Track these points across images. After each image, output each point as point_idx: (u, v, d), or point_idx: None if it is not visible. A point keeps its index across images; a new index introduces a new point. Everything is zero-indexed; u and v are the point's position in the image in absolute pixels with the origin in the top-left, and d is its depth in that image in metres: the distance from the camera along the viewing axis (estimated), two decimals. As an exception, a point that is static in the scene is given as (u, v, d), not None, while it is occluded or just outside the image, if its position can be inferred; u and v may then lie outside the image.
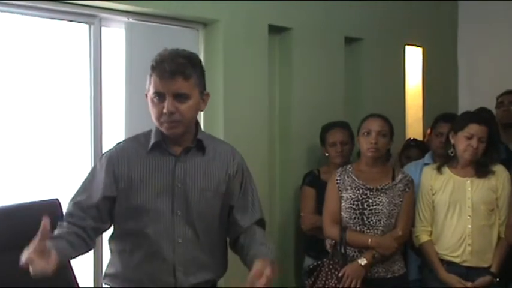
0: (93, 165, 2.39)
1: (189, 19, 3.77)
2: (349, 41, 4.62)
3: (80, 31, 3.40)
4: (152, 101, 2.16)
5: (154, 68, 2.14)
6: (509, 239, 3.21)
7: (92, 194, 2.21)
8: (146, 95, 2.21)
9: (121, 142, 2.35)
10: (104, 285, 2.37)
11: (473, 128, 3.20)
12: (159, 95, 2.14)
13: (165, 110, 2.12)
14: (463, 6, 5.58)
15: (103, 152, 2.36)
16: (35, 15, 3.21)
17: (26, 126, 3.26)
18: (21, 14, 3.17)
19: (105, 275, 2.35)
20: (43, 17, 3.25)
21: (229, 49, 3.82)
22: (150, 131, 2.29)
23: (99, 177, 2.22)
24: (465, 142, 3.21)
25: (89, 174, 2.29)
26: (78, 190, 2.25)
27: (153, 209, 2.19)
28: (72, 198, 2.24)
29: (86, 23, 3.40)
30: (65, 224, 2.17)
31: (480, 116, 3.38)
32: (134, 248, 2.23)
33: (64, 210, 2.30)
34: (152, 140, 2.23)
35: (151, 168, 2.21)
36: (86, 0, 3.23)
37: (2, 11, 3.10)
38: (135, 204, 2.19)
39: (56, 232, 2.10)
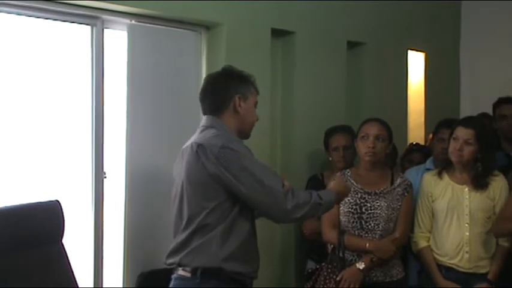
0: (231, 157, 2.53)
1: (192, 22, 3.78)
2: (351, 45, 4.63)
3: (82, 33, 3.41)
4: (253, 108, 2.75)
5: (253, 83, 2.79)
6: (494, 231, 3.17)
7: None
8: (240, 98, 2.70)
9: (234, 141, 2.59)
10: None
11: (458, 130, 3.22)
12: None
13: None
14: (466, 11, 5.58)
15: (227, 145, 2.53)
16: (37, 16, 3.23)
17: (27, 127, 3.26)
18: (23, 15, 3.18)
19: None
20: (45, 18, 3.26)
21: (232, 52, 3.82)
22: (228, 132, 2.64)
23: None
24: (452, 144, 3.24)
25: (257, 164, 2.59)
26: (272, 177, 2.59)
27: None
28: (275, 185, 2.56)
29: (88, 24, 3.40)
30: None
31: (469, 119, 3.39)
32: None
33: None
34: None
35: None
36: (88, 1, 3.25)
37: (3, 12, 3.11)
38: None
39: None
